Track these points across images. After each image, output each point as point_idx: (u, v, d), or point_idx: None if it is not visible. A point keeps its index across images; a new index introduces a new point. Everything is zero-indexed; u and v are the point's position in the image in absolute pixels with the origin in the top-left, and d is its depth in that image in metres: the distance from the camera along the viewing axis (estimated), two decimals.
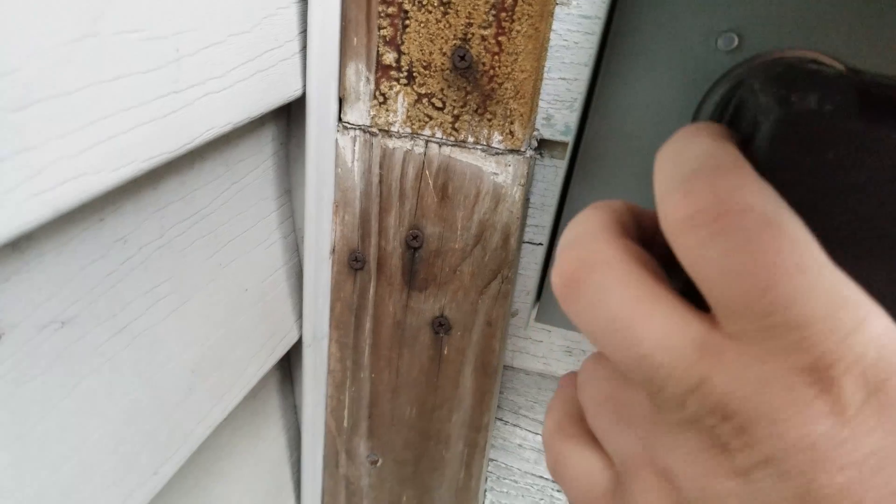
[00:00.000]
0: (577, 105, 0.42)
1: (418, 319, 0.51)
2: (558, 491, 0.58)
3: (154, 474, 0.37)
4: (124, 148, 0.30)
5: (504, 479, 0.59)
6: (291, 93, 0.44)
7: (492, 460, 0.59)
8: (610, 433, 0.23)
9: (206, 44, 0.35)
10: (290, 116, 0.48)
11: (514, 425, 0.57)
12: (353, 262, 0.50)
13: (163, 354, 0.37)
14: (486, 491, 0.60)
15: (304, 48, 0.44)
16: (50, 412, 0.30)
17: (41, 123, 0.26)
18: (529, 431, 0.57)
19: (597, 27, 0.43)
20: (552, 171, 0.48)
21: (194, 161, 0.39)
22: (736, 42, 0.32)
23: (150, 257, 0.36)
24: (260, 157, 0.46)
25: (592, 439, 0.25)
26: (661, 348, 0.19)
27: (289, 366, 0.56)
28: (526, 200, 0.47)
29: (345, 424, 0.56)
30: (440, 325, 0.51)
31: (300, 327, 0.52)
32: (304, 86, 0.45)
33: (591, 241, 0.22)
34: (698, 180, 0.19)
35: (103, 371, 0.33)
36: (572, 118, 0.46)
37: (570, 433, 0.26)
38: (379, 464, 0.57)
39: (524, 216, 0.48)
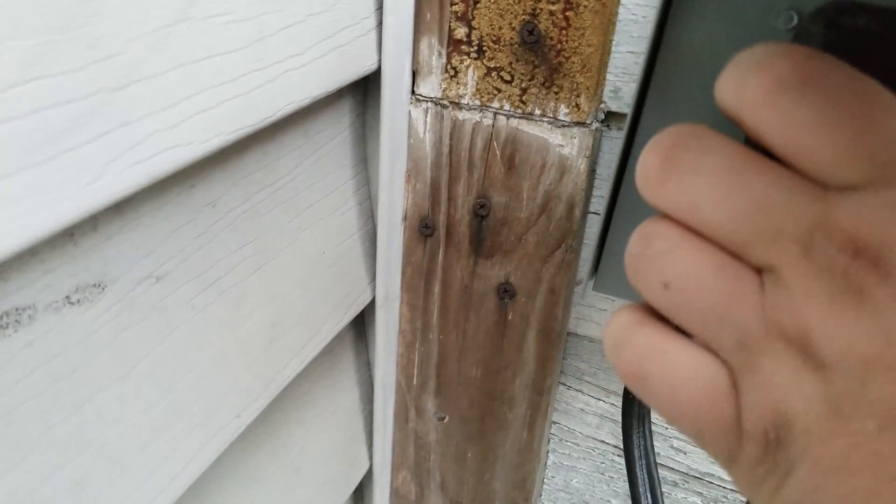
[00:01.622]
0: (637, 78, 0.42)
1: (484, 285, 0.53)
2: (619, 456, 0.59)
3: (237, 417, 0.41)
4: (213, 121, 0.34)
5: (566, 441, 0.61)
6: (367, 67, 0.47)
7: (554, 423, 0.61)
8: (710, 317, 0.20)
9: (287, 24, 0.38)
10: (366, 89, 0.51)
11: (577, 390, 0.58)
12: (423, 229, 0.53)
13: (246, 309, 0.41)
14: (548, 452, 0.63)
15: (379, 24, 0.46)
16: (145, 357, 0.34)
17: (140, 100, 0.29)
18: (592, 397, 0.58)
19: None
20: (619, 144, 0.48)
21: (276, 132, 0.42)
22: (795, 20, 0.32)
23: (236, 221, 0.39)
24: (337, 127, 0.49)
25: (681, 334, 0.22)
26: (778, 187, 0.19)
27: (363, 325, 0.59)
28: (591, 172, 0.48)
29: (414, 382, 0.60)
30: (505, 292, 0.53)
31: (373, 289, 0.55)
32: (380, 60, 0.47)
33: (681, 126, 0.22)
34: (774, 57, 0.19)
35: (193, 322, 0.37)
36: None
37: (657, 328, 0.22)
38: (446, 420, 0.60)
39: (589, 187, 0.49)
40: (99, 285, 0.31)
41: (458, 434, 0.61)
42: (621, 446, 0.59)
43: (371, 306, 0.56)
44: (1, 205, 0.24)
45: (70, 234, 0.29)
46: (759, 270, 0.20)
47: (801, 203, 0.19)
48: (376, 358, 0.58)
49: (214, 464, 0.41)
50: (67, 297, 0.30)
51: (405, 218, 0.53)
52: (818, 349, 0.18)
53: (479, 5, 0.46)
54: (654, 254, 0.22)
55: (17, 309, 0.27)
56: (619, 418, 0.57)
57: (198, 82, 0.33)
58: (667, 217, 0.22)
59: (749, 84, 0.20)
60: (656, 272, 0.22)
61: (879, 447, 0.17)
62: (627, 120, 0.40)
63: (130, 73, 0.29)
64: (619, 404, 0.57)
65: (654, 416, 0.55)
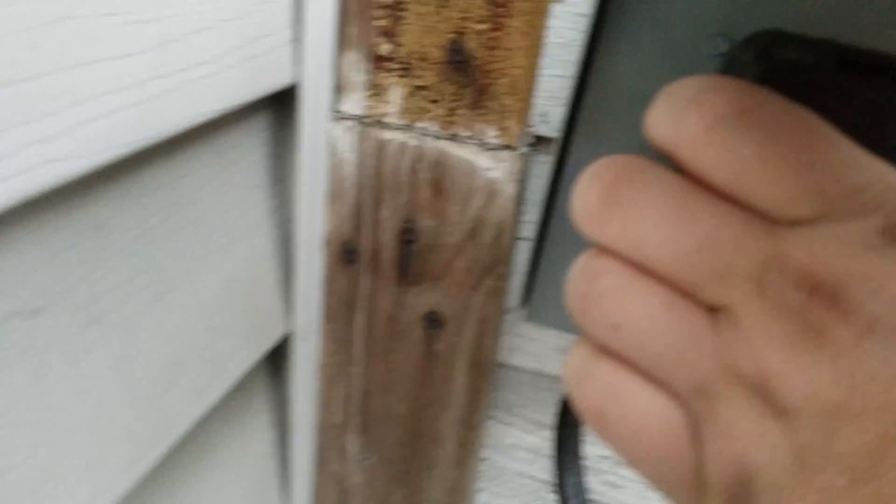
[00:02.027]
0: (566, 102, 0.41)
1: (411, 314, 0.50)
2: (551, 492, 0.57)
3: (126, 472, 0.36)
4: (101, 133, 0.30)
5: (496, 478, 0.58)
6: (285, 81, 0.43)
7: (485, 459, 0.58)
8: (664, 360, 0.19)
9: (194, 29, 0.34)
10: (283, 104, 0.47)
11: (508, 424, 0.56)
12: (346, 255, 0.50)
13: (141, 347, 0.37)
14: (478, 490, 0.60)
15: (298, 36, 0.43)
16: (14, 407, 0.30)
17: (10, 107, 0.25)
18: (523, 431, 0.56)
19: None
20: (548, 168, 0.47)
21: (180, 147, 0.38)
22: (727, 46, 0.31)
23: (130, 245, 0.35)
24: (251, 145, 0.45)
25: (640, 371, 0.20)
26: (727, 223, 0.18)
27: (279, 360, 0.55)
28: (520, 197, 0.46)
29: (336, 420, 0.56)
30: (433, 321, 0.50)
31: (291, 320, 0.51)
32: (299, 74, 0.44)
33: (619, 158, 0.21)
34: (709, 91, 0.19)
35: (76, 364, 0.33)
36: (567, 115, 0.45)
37: (617, 365, 0.21)
38: (370, 461, 0.56)
39: (519, 213, 0.47)
40: None
41: (384, 475, 0.57)
42: (553, 482, 0.56)
43: (288, 339, 0.52)
44: None
45: None
46: (712, 310, 0.19)
47: (752, 238, 0.18)
48: (294, 396, 0.54)
49: None
50: None
51: (326, 243, 0.50)
52: (779, 395, 0.17)
53: (403, 22, 0.43)
54: (600, 293, 0.20)
55: None
56: (551, 453, 0.55)
57: (83, 89, 0.29)
58: (609, 252, 0.20)
59: (687, 121, 0.19)
60: (604, 313, 0.20)
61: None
62: (557, 144, 0.38)
63: (5, 75, 0.25)
64: (551, 438, 0.54)
65: (587, 451, 0.53)
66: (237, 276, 0.45)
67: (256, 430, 0.54)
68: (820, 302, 0.16)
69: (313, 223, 0.48)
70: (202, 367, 0.42)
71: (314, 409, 0.55)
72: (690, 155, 0.19)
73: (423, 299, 0.49)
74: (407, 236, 0.48)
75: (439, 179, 0.46)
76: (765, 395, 0.17)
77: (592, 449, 0.53)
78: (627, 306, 0.20)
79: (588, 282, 0.21)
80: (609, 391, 0.21)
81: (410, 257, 0.48)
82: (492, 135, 0.44)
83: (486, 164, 0.45)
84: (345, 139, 0.47)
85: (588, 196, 0.20)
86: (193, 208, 0.40)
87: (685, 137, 0.19)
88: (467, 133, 0.45)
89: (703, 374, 0.18)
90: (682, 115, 0.19)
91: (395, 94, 0.45)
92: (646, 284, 0.20)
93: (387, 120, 0.46)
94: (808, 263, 0.17)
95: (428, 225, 0.47)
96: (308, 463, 0.57)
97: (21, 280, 0.29)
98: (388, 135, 0.46)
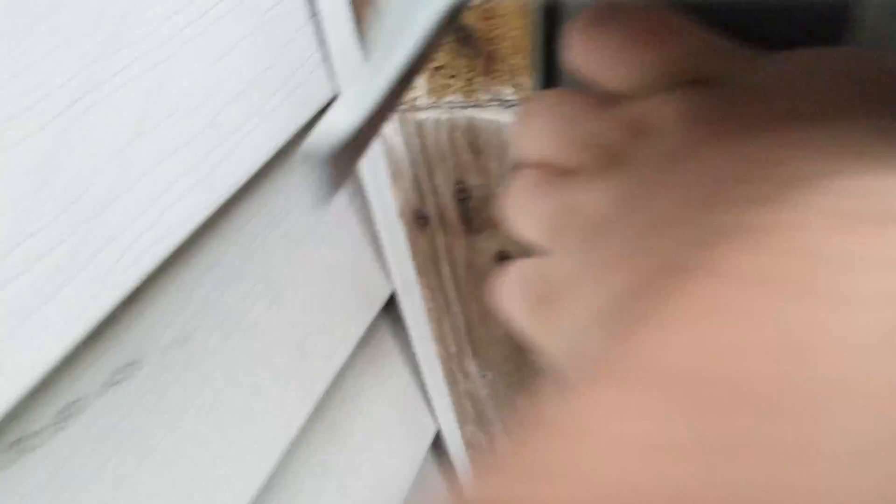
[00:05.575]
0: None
1: (485, 257, 0.58)
2: None
3: (286, 427, 0.49)
4: (184, 210, 0.40)
5: None
6: (326, 98, 0.51)
7: None
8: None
9: (238, 90, 0.43)
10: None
11: None
12: (419, 220, 0.58)
13: (268, 340, 0.48)
14: None
15: (327, 55, 0.51)
16: (185, 413, 0.42)
17: (120, 216, 0.36)
18: None
19: None
20: None
21: (263, 178, 0.48)
22: None
23: (244, 266, 0.46)
24: None
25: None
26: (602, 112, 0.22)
27: (396, 311, 0.66)
28: None
29: (452, 350, 0.66)
30: (504, 258, 0.58)
31: (391, 282, 0.61)
32: (336, 86, 0.52)
33: (548, 90, 0.26)
34: (587, 10, 0.22)
35: (227, 368, 0.44)
36: None
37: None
38: (489, 377, 0.67)
39: None
40: (135, 363, 0.39)
41: (503, 386, 0.67)
42: None
43: (394, 296, 0.62)
44: (22, 341, 0.31)
45: (89, 342, 0.37)
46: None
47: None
48: (413, 337, 0.64)
49: (284, 462, 0.49)
50: (109, 381, 0.37)
51: (401, 214, 0.59)
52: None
53: None
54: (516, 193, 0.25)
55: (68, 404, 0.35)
56: None
57: (168, 175, 0.38)
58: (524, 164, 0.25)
59: (576, 28, 0.23)
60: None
61: None
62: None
63: (103, 198, 0.35)
64: None
65: None
66: (338, 261, 0.55)
67: (393, 370, 0.66)
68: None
69: (385, 201, 0.57)
70: (326, 337, 0.53)
71: (432, 345, 0.66)
72: (575, 57, 0.23)
73: (490, 243, 0.57)
74: (462, 195, 0.55)
75: (474, 142, 0.53)
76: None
77: None
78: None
79: (506, 193, 0.25)
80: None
81: (470, 212, 0.56)
82: (509, 93, 0.50)
83: (510, 119, 0.51)
84: (390, 127, 0.55)
85: (517, 120, 0.26)
86: (287, 221, 0.50)
87: (573, 44, 0.23)
88: (488, 97, 0.51)
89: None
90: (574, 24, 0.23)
91: (420, 80, 0.52)
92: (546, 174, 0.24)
93: (418, 102, 0.53)
94: (633, 115, 0.21)
95: (476, 182, 0.54)
96: (442, 386, 0.69)
97: (174, 315, 0.41)
98: (422, 115, 0.53)
